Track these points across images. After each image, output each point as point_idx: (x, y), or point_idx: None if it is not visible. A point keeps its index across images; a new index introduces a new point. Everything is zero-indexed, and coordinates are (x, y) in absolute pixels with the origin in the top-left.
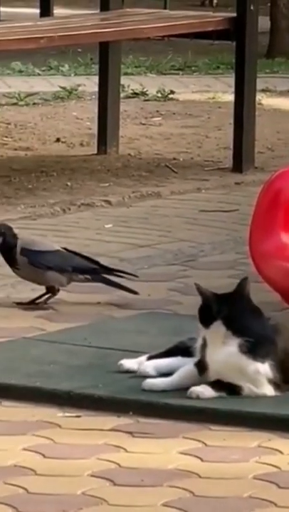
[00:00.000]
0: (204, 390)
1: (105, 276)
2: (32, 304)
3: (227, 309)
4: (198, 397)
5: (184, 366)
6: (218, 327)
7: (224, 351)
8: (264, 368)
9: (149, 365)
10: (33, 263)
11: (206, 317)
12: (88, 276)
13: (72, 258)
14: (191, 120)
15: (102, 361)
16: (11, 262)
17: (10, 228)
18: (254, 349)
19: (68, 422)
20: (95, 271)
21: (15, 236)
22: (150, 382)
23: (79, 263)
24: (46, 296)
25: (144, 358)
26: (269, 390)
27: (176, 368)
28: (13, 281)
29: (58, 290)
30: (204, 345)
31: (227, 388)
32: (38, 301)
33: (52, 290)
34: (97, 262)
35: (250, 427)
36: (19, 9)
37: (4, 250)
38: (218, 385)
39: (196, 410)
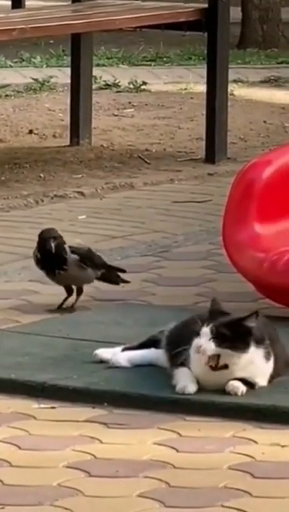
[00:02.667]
0: (243, 388)
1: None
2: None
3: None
4: (242, 394)
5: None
6: (253, 347)
7: (251, 364)
8: (271, 366)
9: (122, 357)
10: (83, 261)
11: (244, 342)
12: (103, 271)
13: (97, 255)
14: (163, 111)
15: (77, 353)
16: (59, 263)
17: (57, 231)
18: (268, 352)
19: (43, 413)
20: (107, 267)
21: (62, 238)
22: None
23: (102, 259)
24: (76, 298)
25: (118, 349)
26: (266, 382)
27: (149, 359)
28: None
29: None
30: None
31: (249, 384)
32: (64, 304)
33: (80, 290)
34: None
35: (225, 418)
36: None
37: (54, 253)
38: (243, 382)
39: (170, 401)
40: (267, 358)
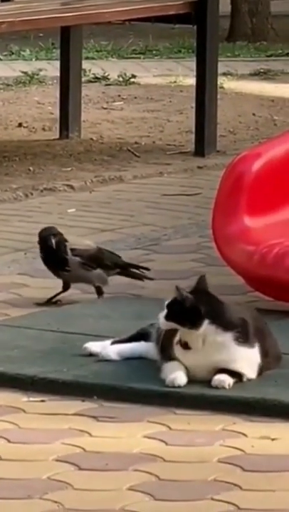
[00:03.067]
0: (230, 380)
1: (131, 270)
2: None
3: (209, 306)
4: (229, 387)
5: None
6: (208, 326)
7: (222, 347)
8: (256, 354)
9: (112, 350)
10: (85, 263)
11: (192, 319)
12: (118, 270)
13: (110, 254)
14: (152, 104)
15: (66, 346)
16: (61, 264)
17: (56, 229)
18: (246, 338)
19: (33, 406)
20: (123, 265)
21: (63, 237)
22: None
23: (115, 259)
24: (98, 296)
25: (108, 342)
26: (255, 374)
27: (139, 352)
28: None
29: (101, 289)
30: (185, 345)
31: (236, 376)
32: (55, 299)
33: (99, 290)
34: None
35: (215, 411)
36: None
37: (55, 253)
38: (229, 373)
39: (160, 394)
40: (244, 344)
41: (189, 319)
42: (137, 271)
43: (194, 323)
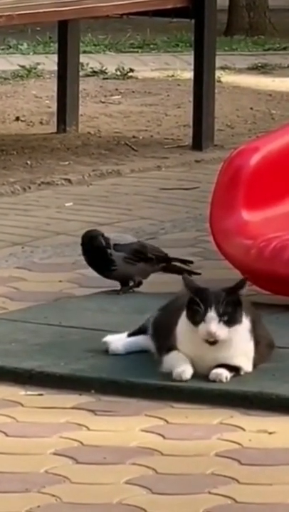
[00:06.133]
0: (227, 374)
1: (173, 263)
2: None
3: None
4: (226, 380)
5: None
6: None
7: (233, 340)
8: (252, 347)
9: (121, 344)
10: (128, 257)
11: (241, 315)
12: (163, 265)
13: (152, 247)
14: (150, 98)
15: (64, 339)
16: (107, 264)
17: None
18: (250, 331)
19: (30, 400)
20: (165, 258)
21: (107, 237)
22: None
23: (157, 250)
24: (129, 286)
25: (124, 335)
26: (250, 368)
27: (140, 346)
28: None
29: (141, 283)
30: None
31: (234, 370)
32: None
33: (138, 284)
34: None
35: (212, 405)
36: None
37: (100, 254)
38: (227, 367)
39: (158, 388)
40: (248, 337)
41: (239, 313)
42: (181, 264)
43: (241, 316)
